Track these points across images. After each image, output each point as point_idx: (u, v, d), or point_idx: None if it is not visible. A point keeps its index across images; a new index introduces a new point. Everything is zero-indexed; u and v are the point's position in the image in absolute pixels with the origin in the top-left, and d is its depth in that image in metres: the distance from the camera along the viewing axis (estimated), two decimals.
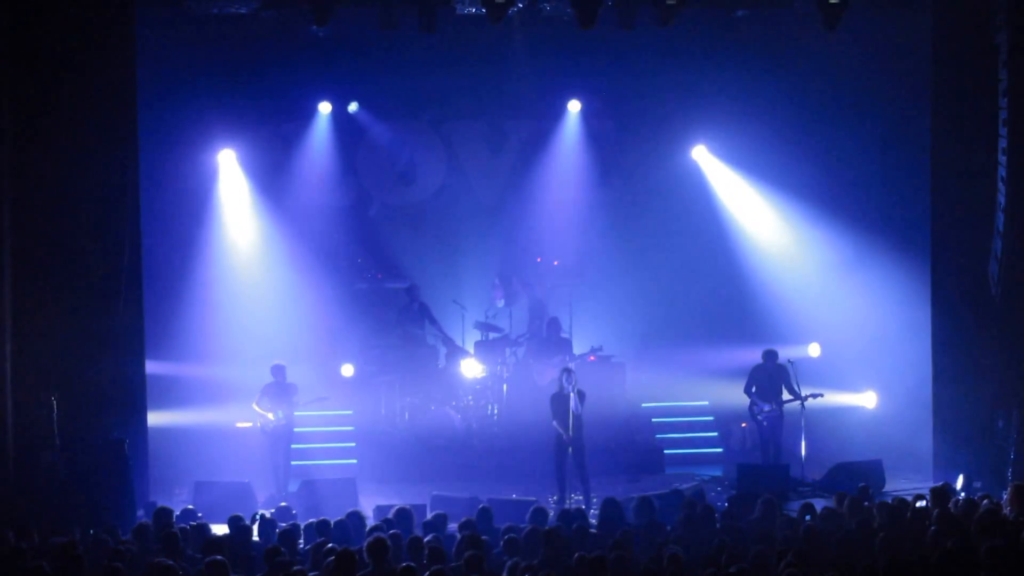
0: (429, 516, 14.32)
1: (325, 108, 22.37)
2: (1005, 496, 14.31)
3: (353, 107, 22.55)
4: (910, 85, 19.83)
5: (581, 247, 23.25)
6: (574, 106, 22.79)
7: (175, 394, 19.91)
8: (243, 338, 21.04)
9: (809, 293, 21.79)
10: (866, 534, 12.66)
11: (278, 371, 19.05)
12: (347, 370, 21.75)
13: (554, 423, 18.20)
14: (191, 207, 21.54)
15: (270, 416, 18.81)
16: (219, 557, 11.44)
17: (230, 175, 22.07)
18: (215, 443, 19.74)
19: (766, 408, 19.69)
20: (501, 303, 22.49)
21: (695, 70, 21.63)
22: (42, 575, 11.33)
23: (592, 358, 21.02)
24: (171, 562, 11.62)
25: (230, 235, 22.12)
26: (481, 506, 14.86)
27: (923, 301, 19.21)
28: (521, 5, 18.92)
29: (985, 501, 14.16)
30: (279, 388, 19.00)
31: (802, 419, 19.30)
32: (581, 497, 18.09)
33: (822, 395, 19.50)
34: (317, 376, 20.75)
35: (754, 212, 22.73)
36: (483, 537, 12.79)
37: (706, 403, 22.06)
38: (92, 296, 17.01)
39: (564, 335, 21.40)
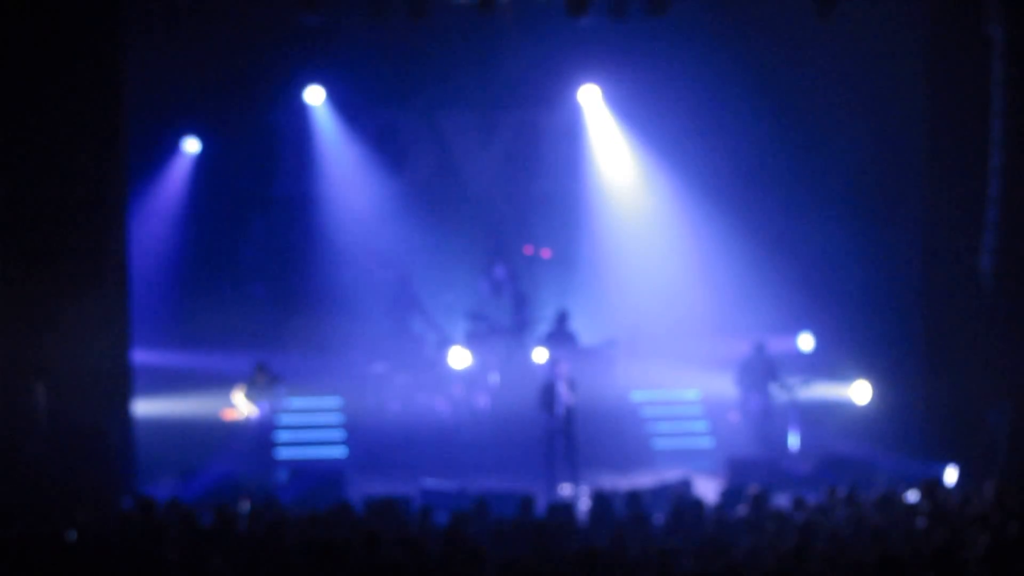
0: (418, 507, 14.27)
1: (314, 97, 22.20)
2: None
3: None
4: (904, 76, 19.70)
5: (571, 237, 23.16)
6: (565, 94, 22.66)
7: (160, 382, 19.82)
8: (228, 326, 20.99)
9: (802, 284, 21.62)
10: (857, 528, 12.60)
11: (263, 364, 18.99)
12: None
13: (543, 413, 18.22)
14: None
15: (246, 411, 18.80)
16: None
17: (214, 165, 21.98)
18: (200, 433, 19.64)
19: (756, 399, 19.62)
20: (487, 291, 22.44)
21: (693, 58, 21.46)
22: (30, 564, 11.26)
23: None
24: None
25: (216, 223, 22.03)
26: (473, 496, 14.81)
27: (916, 293, 19.14)
28: None
29: (975, 494, 14.12)
30: (266, 379, 18.97)
31: (792, 410, 19.24)
32: (570, 489, 18.03)
33: (812, 385, 19.44)
34: (305, 365, 20.75)
35: (745, 201, 22.56)
36: (472, 527, 12.73)
37: (696, 394, 21.94)
38: (77, 283, 16.87)
39: (571, 330, 21.46)
